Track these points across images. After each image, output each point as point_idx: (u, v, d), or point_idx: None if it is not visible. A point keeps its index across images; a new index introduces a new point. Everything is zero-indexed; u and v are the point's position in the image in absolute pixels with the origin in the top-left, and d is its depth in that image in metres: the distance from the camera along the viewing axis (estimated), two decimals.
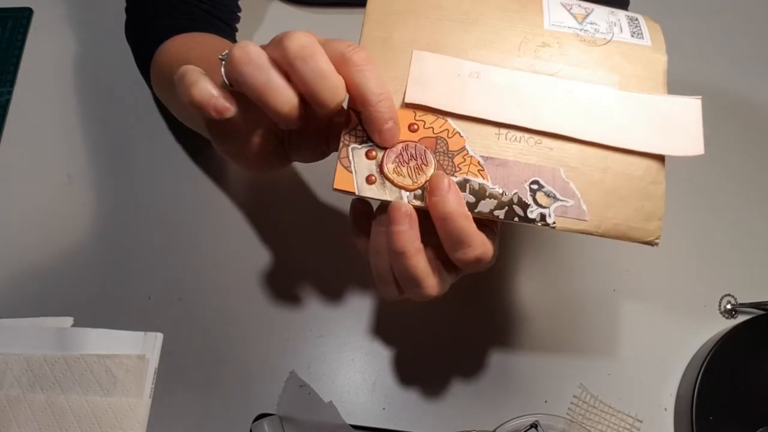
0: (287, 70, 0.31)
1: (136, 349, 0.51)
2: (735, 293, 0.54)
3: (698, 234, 0.56)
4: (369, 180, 0.34)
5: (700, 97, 0.36)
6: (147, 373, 0.50)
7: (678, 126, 0.35)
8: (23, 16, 0.67)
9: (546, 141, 0.35)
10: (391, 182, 0.34)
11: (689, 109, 0.36)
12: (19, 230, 0.57)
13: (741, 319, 0.53)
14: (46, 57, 0.65)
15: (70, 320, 0.52)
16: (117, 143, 0.60)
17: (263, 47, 0.32)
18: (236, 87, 0.32)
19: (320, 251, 0.55)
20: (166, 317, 0.53)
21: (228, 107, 0.32)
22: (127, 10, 0.54)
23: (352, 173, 0.34)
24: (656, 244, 0.35)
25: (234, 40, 0.57)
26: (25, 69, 0.64)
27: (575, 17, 0.38)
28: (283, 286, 0.55)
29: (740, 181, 0.58)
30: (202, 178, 0.59)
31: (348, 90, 0.32)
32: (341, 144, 0.34)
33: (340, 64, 0.31)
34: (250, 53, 0.31)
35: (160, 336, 0.51)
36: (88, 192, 0.59)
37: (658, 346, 0.52)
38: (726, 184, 0.58)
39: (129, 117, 0.61)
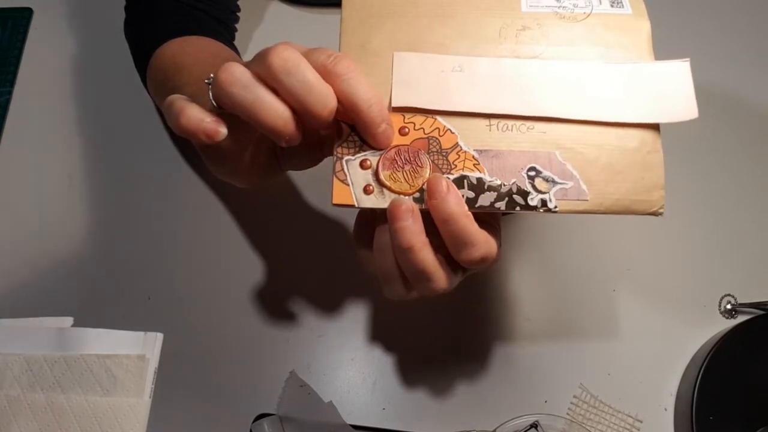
0: (274, 85, 0.31)
1: (136, 349, 0.51)
2: (735, 293, 0.54)
3: (698, 234, 0.56)
4: (367, 190, 0.34)
5: (688, 59, 0.35)
6: (147, 373, 0.50)
7: (669, 92, 0.35)
8: (23, 16, 0.67)
9: (538, 125, 0.34)
10: (389, 189, 0.33)
11: (678, 73, 0.35)
12: (19, 230, 0.57)
13: (741, 319, 0.53)
14: (46, 57, 0.65)
15: (70, 320, 0.52)
16: (117, 143, 0.60)
17: (247, 65, 0.32)
18: (226, 108, 0.32)
19: (321, 252, 0.55)
20: (166, 317, 0.53)
21: (218, 130, 0.32)
22: (127, 8, 0.54)
23: (349, 185, 0.33)
24: (660, 213, 0.34)
25: (233, 40, 0.57)
26: (25, 69, 0.64)
27: None
28: (283, 286, 0.55)
29: (740, 181, 0.58)
30: (202, 179, 0.59)
31: (337, 100, 0.32)
32: (335, 158, 0.34)
33: (324, 76, 0.31)
34: (235, 73, 0.31)
35: (160, 336, 0.51)
36: (88, 192, 0.59)
37: (658, 347, 0.52)
38: (726, 184, 0.58)
39: (129, 117, 0.61)
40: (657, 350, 0.52)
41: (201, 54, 0.48)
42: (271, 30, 0.65)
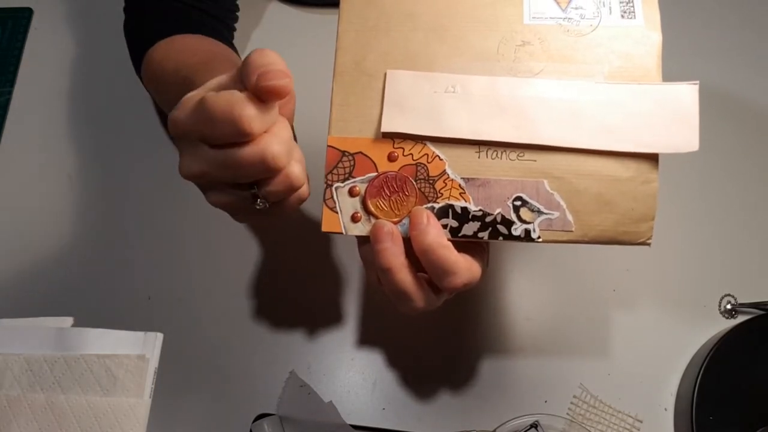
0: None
1: (136, 349, 0.51)
2: (735, 293, 0.54)
3: (698, 234, 0.56)
4: (354, 218, 0.34)
5: (697, 82, 0.33)
6: (147, 373, 0.50)
7: (672, 118, 0.33)
8: (23, 16, 0.67)
9: (528, 153, 0.34)
10: (375, 217, 0.34)
11: (684, 97, 0.33)
12: (20, 230, 0.57)
13: (741, 319, 0.53)
14: (46, 57, 0.65)
15: (70, 320, 0.52)
16: (117, 143, 0.60)
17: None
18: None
19: (322, 252, 0.55)
20: (166, 317, 0.53)
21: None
22: (126, 10, 0.54)
23: (338, 213, 0.34)
24: (648, 244, 0.34)
25: (232, 40, 0.57)
26: (25, 69, 0.64)
27: (558, 3, 0.35)
28: (283, 286, 0.55)
29: (740, 181, 0.58)
30: None
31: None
32: (325, 185, 0.34)
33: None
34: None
35: (160, 336, 0.51)
36: (88, 192, 0.59)
37: (658, 346, 0.52)
38: (726, 184, 0.58)
39: (129, 117, 0.61)
40: (657, 350, 0.52)
41: (198, 50, 0.48)
42: (270, 30, 0.65)
